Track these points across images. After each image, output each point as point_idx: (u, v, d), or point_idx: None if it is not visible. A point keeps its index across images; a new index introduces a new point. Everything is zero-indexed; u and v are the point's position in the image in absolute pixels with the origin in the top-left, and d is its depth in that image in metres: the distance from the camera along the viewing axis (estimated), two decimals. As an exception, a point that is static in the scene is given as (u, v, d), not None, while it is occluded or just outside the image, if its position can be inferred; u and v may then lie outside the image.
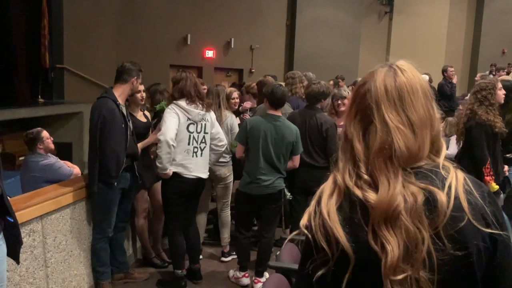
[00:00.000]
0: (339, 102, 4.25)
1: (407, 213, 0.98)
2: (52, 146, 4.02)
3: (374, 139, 1.03)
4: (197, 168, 3.60)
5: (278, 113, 3.65)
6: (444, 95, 7.85)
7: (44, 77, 8.72)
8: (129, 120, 3.45)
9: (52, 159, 3.95)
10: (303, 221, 1.11)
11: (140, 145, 3.70)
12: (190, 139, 3.55)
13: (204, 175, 3.67)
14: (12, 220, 2.20)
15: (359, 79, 1.17)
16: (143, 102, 3.95)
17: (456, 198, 0.99)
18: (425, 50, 12.35)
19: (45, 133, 3.98)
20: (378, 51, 12.59)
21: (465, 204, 0.98)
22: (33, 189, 3.39)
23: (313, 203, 1.10)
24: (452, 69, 8.05)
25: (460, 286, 1.01)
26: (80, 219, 3.38)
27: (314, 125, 3.94)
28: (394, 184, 1.00)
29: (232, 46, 11.26)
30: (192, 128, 3.55)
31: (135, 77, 3.42)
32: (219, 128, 3.82)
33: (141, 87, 3.82)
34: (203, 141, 3.63)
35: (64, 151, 6.85)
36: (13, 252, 2.24)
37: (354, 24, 12.22)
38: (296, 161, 3.73)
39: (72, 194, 3.27)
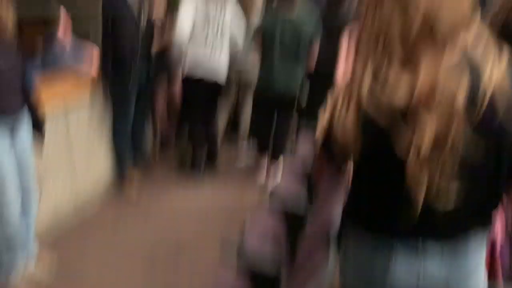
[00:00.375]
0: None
1: (442, 99, 0.94)
2: (69, 32, 3.89)
3: (414, 20, 0.94)
4: (214, 70, 3.58)
5: (294, 7, 3.46)
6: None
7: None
8: (141, 16, 3.36)
9: (69, 48, 3.85)
10: (318, 131, 1.09)
11: (156, 44, 3.64)
12: (209, 29, 3.49)
13: (221, 80, 3.65)
14: (34, 105, 2.26)
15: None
16: None
17: (495, 87, 0.95)
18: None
19: (63, 17, 3.84)
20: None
21: (502, 94, 0.95)
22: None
23: (328, 108, 1.06)
24: None
25: (484, 177, 1.01)
26: (99, 113, 3.41)
27: (336, 27, 3.77)
28: (437, 67, 0.94)
29: None
30: (211, 14, 3.47)
31: None
32: (236, 29, 3.70)
33: None
34: (221, 38, 3.55)
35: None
36: (38, 135, 2.32)
37: None
38: (313, 51, 3.58)
39: (90, 89, 3.28)
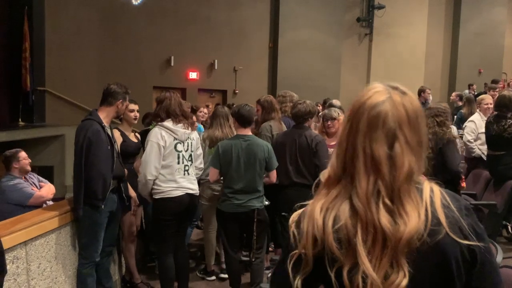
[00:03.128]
0: (329, 123, 4.27)
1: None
2: (28, 168, 4.00)
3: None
4: (187, 186, 3.58)
5: (247, 132, 3.68)
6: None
7: (25, 100, 8.61)
8: (114, 142, 3.40)
9: (22, 183, 3.90)
10: (293, 218, 1.16)
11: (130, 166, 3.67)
12: (180, 158, 3.53)
13: (195, 192, 3.65)
14: None
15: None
16: (136, 122, 3.97)
17: (434, 212, 1.02)
18: (405, 70, 12.58)
19: (22, 154, 3.96)
20: (359, 71, 12.76)
21: (442, 218, 1.02)
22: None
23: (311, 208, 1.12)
24: (429, 91, 8.14)
25: None
26: (66, 244, 3.27)
27: (304, 143, 3.93)
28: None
29: (216, 68, 11.28)
30: (179, 147, 3.54)
31: (121, 100, 3.35)
32: (200, 149, 3.83)
33: (135, 107, 3.88)
34: (190, 159, 3.63)
35: (45, 174, 6.69)
36: None
37: (335, 46, 12.39)
38: (272, 176, 3.74)
39: (58, 219, 3.17)
